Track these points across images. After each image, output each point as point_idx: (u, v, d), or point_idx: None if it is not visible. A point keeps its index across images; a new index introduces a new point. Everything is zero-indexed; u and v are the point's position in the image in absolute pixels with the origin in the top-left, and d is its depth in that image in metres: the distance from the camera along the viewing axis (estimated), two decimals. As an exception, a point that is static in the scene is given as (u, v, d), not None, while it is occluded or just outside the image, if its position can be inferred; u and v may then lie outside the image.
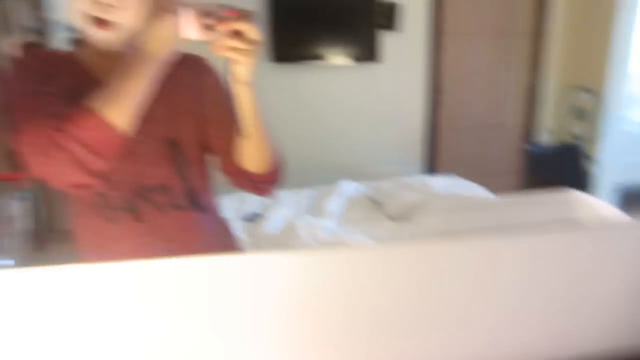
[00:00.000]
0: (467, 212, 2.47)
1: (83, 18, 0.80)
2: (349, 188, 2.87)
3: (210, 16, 0.76)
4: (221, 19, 0.76)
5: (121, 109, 0.79)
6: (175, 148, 0.93)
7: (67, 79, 0.87)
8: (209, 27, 0.77)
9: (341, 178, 2.93)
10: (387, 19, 3.16)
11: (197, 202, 0.97)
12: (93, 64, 0.89)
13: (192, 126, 0.95)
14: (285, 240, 2.25)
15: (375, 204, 2.79)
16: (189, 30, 0.78)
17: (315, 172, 3.01)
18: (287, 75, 3.11)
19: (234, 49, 0.77)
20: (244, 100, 0.85)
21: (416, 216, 2.48)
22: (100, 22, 0.80)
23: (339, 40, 3.16)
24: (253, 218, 2.48)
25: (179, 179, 0.94)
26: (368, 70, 3.27)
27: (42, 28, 2.91)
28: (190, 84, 0.97)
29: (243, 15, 0.76)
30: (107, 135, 0.78)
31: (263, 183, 0.98)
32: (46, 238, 2.48)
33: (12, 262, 1.47)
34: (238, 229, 2.25)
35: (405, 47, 3.29)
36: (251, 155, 0.93)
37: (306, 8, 3.06)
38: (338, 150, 3.34)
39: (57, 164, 0.76)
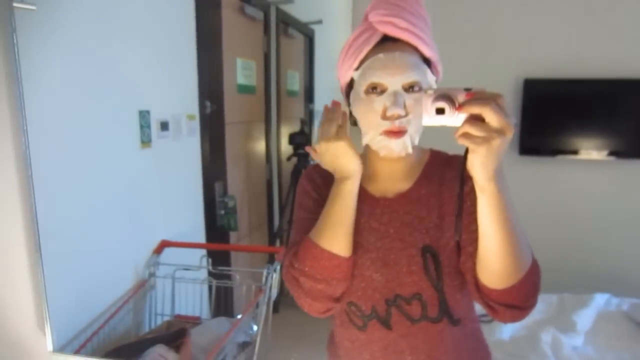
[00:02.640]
0: None
1: (380, 134, 0.85)
2: (604, 302, 2.48)
3: (446, 99, 0.68)
4: (460, 102, 0.67)
5: (338, 237, 0.84)
6: (432, 257, 0.88)
7: None
8: (442, 112, 0.69)
9: (595, 289, 2.56)
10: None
11: (451, 314, 0.90)
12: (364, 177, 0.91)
13: (451, 233, 0.88)
14: (524, 352, 2.07)
15: (637, 326, 2.34)
16: (425, 116, 0.71)
17: (564, 278, 2.70)
18: (536, 170, 2.96)
19: (470, 137, 0.66)
20: (483, 198, 0.72)
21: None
22: (396, 133, 0.83)
23: (598, 133, 2.87)
24: (487, 319, 2.36)
25: (434, 289, 0.88)
26: (634, 166, 2.85)
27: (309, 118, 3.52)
28: (451, 184, 0.91)
29: (487, 97, 0.65)
30: (326, 263, 0.84)
31: (499, 304, 0.81)
32: (280, 301, 2.86)
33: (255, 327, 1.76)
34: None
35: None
36: (488, 266, 0.78)
37: (560, 95, 2.90)
38: (594, 256, 2.94)
39: (297, 297, 0.88)
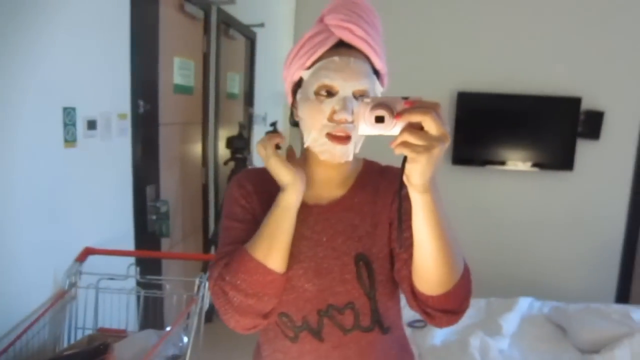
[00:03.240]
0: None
1: (324, 136, 0.84)
2: (527, 305, 2.63)
3: (384, 107, 0.67)
4: (399, 111, 0.66)
5: (273, 252, 0.82)
6: (366, 265, 0.87)
7: (274, 191, 0.88)
8: (381, 120, 0.67)
9: (519, 293, 2.70)
10: (589, 127, 2.97)
11: (382, 322, 0.90)
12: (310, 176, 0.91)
13: (384, 240, 0.89)
14: (454, 357, 2.13)
15: (557, 328, 2.50)
16: (362, 125, 0.69)
17: (491, 283, 2.83)
18: (466, 179, 3.09)
19: (410, 145, 0.64)
20: (419, 207, 0.71)
21: (612, 350, 2.14)
22: (341, 139, 0.83)
23: (524, 145, 3.05)
24: (421, 324, 2.42)
25: (367, 298, 0.87)
26: (556, 177, 3.06)
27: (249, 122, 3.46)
28: (385, 194, 0.91)
29: (426, 106, 0.65)
30: (260, 278, 0.81)
31: (435, 309, 0.81)
32: (213, 310, 2.78)
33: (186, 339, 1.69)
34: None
35: (607, 155, 3.02)
36: (424, 274, 0.78)
37: (491, 108, 3.05)
38: (518, 261, 3.12)
39: (224, 311, 0.84)
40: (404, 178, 0.69)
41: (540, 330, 2.45)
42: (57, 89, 1.60)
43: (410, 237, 0.78)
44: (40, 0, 1.50)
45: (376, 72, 0.89)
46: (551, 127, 3.04)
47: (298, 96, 0.89)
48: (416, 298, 0.83)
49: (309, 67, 0.87)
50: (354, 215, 0.90)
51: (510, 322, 2.45)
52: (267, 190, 0.92)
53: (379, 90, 0.88)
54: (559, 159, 3.05)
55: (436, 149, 0.64)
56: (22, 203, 1.47)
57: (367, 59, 0.87)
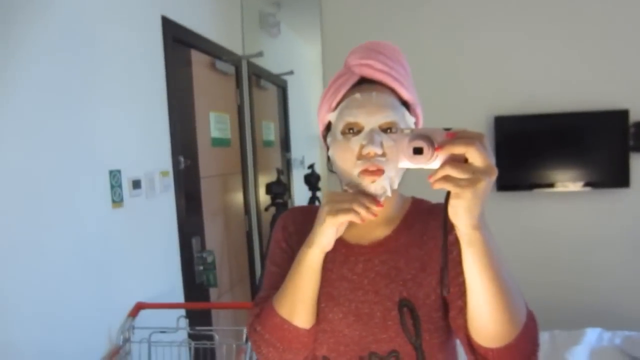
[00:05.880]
0: None
1: (356, 176, 0.80)
2: (596, 337, 2.44)
3: (423, 139, 0.63)
4: (440, 143, 0.62)
5: (297, 309, 0.80)
6: (410, 311, 0.81)
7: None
8: (420, 151, 0.63)
9: (586, 324, 2.52)
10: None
11: None
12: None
13: (433, 285, 0.83)
14: (519, 397, 1.99)
15: (631, 359, 2.29)
16: (401, 158, 0.65)
17: (552, 314, 2.66)
18: (513, 205, 2.97)
19: (452, 180, 0.60)
20: (468, 248, 0.65)
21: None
22: (372, 172, 0.79)
23: (572, 165, 2.92)
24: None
25: (412, 347, 0.81)
26: (611, 196, 2.89)
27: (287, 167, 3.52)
28: (434, 234, 0.86)
29: (470, 136, 0.60)
30: (285, 334, 0.80)
31: None
32: None
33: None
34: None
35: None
36: (480, 324, 0.71)
37: (531, 130, 2.96)
38: (580, 289, 2.91)
39: (258, 357, 0.84)
40: (450, 214, 0.63)
41: (612, 363, 2.26)
42: (103, 154, 1.71)
43: (464, 284, 0.71)
44: (84, 74, 1.63)
45: (405, 104, 0.86)
46: (599, 143, 2.90)
47: (328, 140, 0.88)
48: (474, 351, 0.75)
49: (334, 109, 0.87)
50: (398, 258, 0.85)
51: (578, 356, 2.27)
52: (306, 232, 0.90)
53: (410, 121, 0.85)
54: (612, 175, 2.89)
55: (482, 182, 0.59)
56: (75, 264, 1.55)
57: (393, 91, 0.85)
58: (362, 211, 0.74)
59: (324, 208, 0.77)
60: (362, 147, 0.80)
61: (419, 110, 0.89)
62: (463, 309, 0.76)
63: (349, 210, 0.75)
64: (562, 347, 2.35)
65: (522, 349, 0.71)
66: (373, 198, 0.78)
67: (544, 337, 2.45)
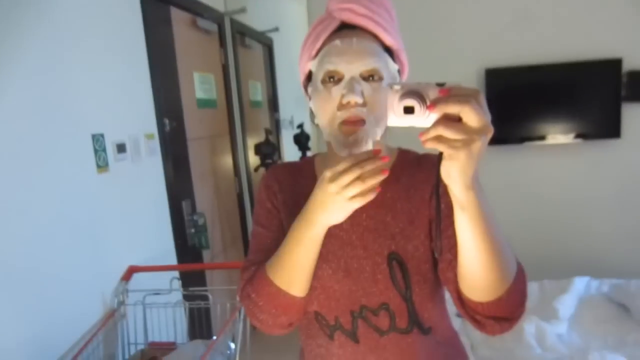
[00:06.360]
0: None
1: (337, 127, 0.78)
2: (584, 285, 2.49)
3: (415, 96, 0.59)
4: (433, 100, 0.57)
5: (296, 281, 0.78)
6: (399, 264, 0.82)
7: (303, 190, 0.82)
8: (411, 111, 0.59)
9: (574, 273, 2.57)
10: (634, 89, 2.78)
11: (421, 324, 0.84)
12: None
13: (421, 238, 0.82)
14: (509, 345, 2.05)
15: (620, 307, 2.35)
16: (391, 115, 0.61)
17: (542, 265, 2.71)
18: (504, 159, 2.97)
19: (445, 140, 0.56)
20: (461, 208, 0.63)
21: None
22: (352, 122, 0.77)
23: (563, 117, 2.90)
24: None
25: (402, 299, 0.82)
26: (602, 147, 2.88)
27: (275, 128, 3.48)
28: (422, 187, 0.84)
29: (465, 94, 0.56)
30: (281, 302, 0.79)
31: (486, 317, 0.73)
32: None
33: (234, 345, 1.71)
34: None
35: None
36: (471, 280, 0.71)
37: (522, 82, 2.91)
38: (569, 240, 2.95)
39: (253, 320, 0.83)
40: (442, 176, 0.60)
41: (600, 311, 2.31)
42: (84, 117, 1.67)
43: (453, 237, 0.70)
44: (61, 39, 1.56)
45: (389, 50, 0.82)
46: (591, 94, 2.87)
47: (309, 90, 0.85)
48: (464, 304, 0.75)
49: (314, 57, 0.83)
50: (386, 212, 0.84)
51: (566, 304, 2.32)
52: (291, 190, 0.89)
53: (393, 68, 0.81)
54: (603, 127, 2.87)
55: (477, 143, 0.55)
56: (64, 232, 1.54)
57: (375, 37, 0.81)
58: (374, 182, 0.66)
59: (330, 191, 0.67)
60: (342, 96, 0.77)
61: (403, 57, 0.85)
62: (452, 262, 0.76)
63: (364, 194, 0.67)
64: (551, 296, 2.40)
65: (511, 301, 0.71)
66: (374, 157, 0.67)
67: (533, 288, 2.50)
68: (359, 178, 0.66)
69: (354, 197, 0.66)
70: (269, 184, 0.93)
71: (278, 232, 0.87)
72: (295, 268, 0.77)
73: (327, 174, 0.68)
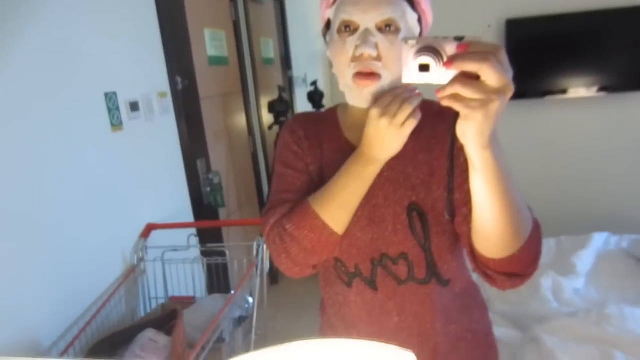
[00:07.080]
0: None
1: (351, 79, 0.78)
2: (603, 241, 2.47)
3: (431, 52, 0.56)
4: (450, 57, 0.54)
5: (344, 218, 0.79)
6: (419, 215, 0.82)
7: (327, 138, 0.88)
8: (426, 68, 0.57)
9: (593, 229, 2.54)
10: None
11: (439, 275, 0.85)
12: (346, 126, 0.89)
13: (441, 191, 0.82)
14: (525, 300, 2.06)
15: (637, 262, 2.33)
16: (406, 71, 0.59)
17: (560, 220, 2.68)
18: (524, 113, 2.89)
19: (462, 100, 0.54)
20: (477, 166, 0.61)
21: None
22: (365, 76, 0.76)
23: (586, 69, 2.79)
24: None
25: (420, 249, 0.83)
26: (626, 100, 2.78)
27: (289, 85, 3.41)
28: (443, 139, 0.83)
29: (484, 50, 0.52)
30: (322, 237, 0.79)
31: (497, 273, 0.73)
32: (279, 272, 2.86)
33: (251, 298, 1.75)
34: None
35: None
36: (485, 237, 0.71)
37: (544, 34, 2.79)
38: (590, 195, 2.90)
39: (277, 256, 0.82)
40: (458, 135, 0.59)
41: (619, 266, 2.29)
42: (96, 76, 1.66)
43: (469, 190, 0.68)
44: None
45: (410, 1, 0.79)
46: (617, 44, 2.74)
47: (327, 38, 0.84)
48: (476, 259, 0.76)
49: (332, 4, 0.81)
50: (406, 163, 0.83)
51: (584, 260, 2.31)
52: (316, 138, 0.89)
53: (411, 17, 0.78)
54: (627, 79, 2.76)
55: (495, 103, 0.52)
56: (81, 191, 1.56)
57: None
58: (417, 102, 0.71)
59: (382, 125, 0.71)
60: (356, 48, 0.76)
61: (425, 6, 0.81)
62: (467, 216, 0.76)
63: (413, 115, 0.71)
64: (568, 252, 2.39)
65: (524, 259, 0.71)
66: (406, 89, 0.72)
67: (550, 244, 2.48)
68: (404, 103, 0.70)
69: (405, 122, 0.70)
70: (294, 129, 0.92)
71: (307, 174, 0.88)
72: (344, 204, 0.78)
73: (374, 112, 0.72)
